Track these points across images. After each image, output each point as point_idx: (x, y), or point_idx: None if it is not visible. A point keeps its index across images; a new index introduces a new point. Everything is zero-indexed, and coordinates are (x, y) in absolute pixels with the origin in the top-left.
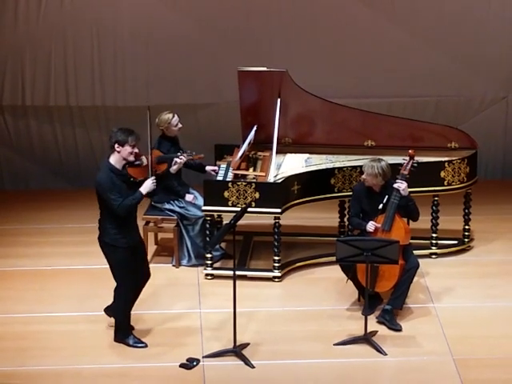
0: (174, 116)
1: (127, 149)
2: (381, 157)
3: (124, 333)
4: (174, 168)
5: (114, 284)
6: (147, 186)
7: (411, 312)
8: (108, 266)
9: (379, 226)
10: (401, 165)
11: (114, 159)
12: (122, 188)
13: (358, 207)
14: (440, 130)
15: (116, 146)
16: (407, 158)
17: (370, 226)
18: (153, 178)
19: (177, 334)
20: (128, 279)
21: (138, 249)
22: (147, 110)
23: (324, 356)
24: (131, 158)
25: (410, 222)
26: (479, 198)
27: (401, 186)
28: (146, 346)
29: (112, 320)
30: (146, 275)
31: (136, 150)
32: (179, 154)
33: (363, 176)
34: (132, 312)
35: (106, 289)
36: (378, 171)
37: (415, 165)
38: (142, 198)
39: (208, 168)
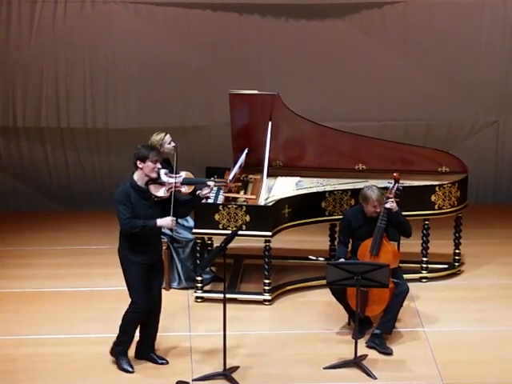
0: (166, 134)
1: (149, 165)
2: (369, 180)
3: (120, 350)
4: (203, 193)
5: (107, 306)
6: (165, 221)
7: (401, 336)
8: (99, 288)
9: None
10: (386, 188)
11: (137, 176)
12: (141, 205)
13: (346, 234)
14: (431, 153)
15: (138, 162)
16: (392, 182)
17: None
18: (174, 218)
19: (166, 357)
20: (139, 297)
21: (153, 268)
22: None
23: (314, 380)
24: (154, 175)
25: (401, 245)
26: (470, 222)
27: (392, 204)
28: (133, 372)
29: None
30: (158, 300)
31: (159, 166)
32: (212, 178)
33: (372, 205)
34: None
35: (96, 311)
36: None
37: (400, 188)
38: (153, 229)
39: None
